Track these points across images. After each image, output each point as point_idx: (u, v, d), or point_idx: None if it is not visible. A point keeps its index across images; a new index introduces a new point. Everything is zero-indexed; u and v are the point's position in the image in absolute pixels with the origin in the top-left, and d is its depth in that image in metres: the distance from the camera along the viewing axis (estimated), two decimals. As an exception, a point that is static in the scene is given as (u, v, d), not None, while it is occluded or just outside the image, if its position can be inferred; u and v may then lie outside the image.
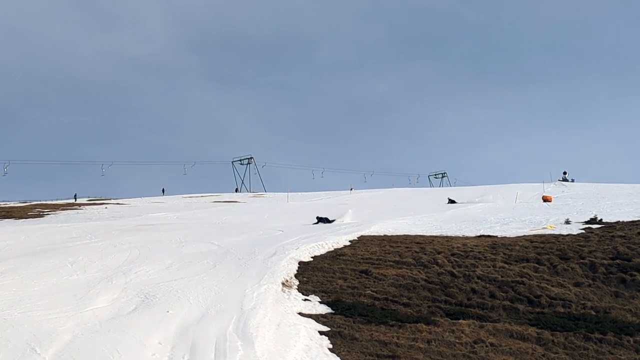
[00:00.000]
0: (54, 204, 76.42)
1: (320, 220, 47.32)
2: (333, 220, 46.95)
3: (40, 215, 59.86)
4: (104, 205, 71.14)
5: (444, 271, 27.47)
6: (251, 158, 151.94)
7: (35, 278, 24.56)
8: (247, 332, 18.95)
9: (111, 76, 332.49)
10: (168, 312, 20.55)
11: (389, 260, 29.28)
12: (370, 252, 31.14)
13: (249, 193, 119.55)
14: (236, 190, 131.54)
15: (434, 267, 28.02)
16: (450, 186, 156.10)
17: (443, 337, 20.62)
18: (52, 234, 39.51)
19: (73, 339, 17.56)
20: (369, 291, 25.08)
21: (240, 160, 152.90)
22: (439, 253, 30.21)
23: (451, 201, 74.96)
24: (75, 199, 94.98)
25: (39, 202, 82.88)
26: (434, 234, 37.30)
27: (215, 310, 21.08)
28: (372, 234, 37.29)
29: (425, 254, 30.19)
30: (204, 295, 22.80)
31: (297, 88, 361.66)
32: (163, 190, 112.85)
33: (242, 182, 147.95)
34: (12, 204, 79.96)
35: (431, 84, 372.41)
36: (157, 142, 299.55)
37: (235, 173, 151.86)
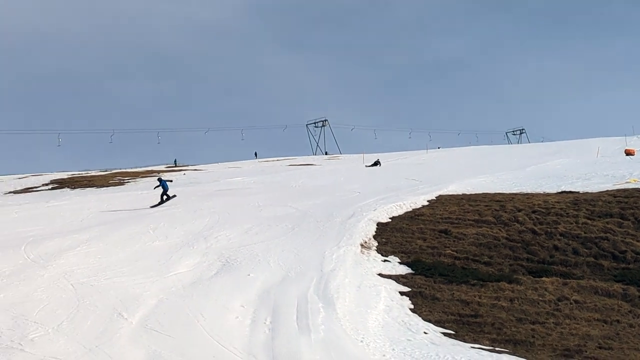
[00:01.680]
0: (134, 172, 77.29)
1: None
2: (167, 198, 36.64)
3: (120, 184, 60.80)
4: (183, 172, 71.84)
5: (525, 229, 27.09)
6: (325, 120, 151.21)
7: (119, 245, 25.02)
8: (328, 294, 19.01)
9: (184, 44, 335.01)
10: (249, 275, 20.74)
11: (468, 219, 29.00)
12: (449, 212, 30.87)
13: (325, 155, 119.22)
14: (326, 153, 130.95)
15: (514, 225, 27.65)
16: (529, 142, 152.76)
17: (526, 295, 20.40)
18: (133, 201, 40.08)
19: (158, 303, 17.88)
20: (449, 251, 24.92)
21: (314, 122, 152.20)
22: (519, 211, 29.76)
23: (375, 163, 68.98)
24: (176, 164, 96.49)
25: (119, 171, 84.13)
26: (514, 192, 36.65)
27: (295, 272, 21.20)
28: (450, 193, 36.87)
29: (505, 212, 29.78)
30: (283, 258, 22.93)
31: (371, 48, 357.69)
32: (255, 154, 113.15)
33: (317, 145, 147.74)
34: (93, 173, 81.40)
35: (507, 39, 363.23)
36: (232, 108, 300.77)
37: (310, 136, 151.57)
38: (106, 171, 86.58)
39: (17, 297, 17.98)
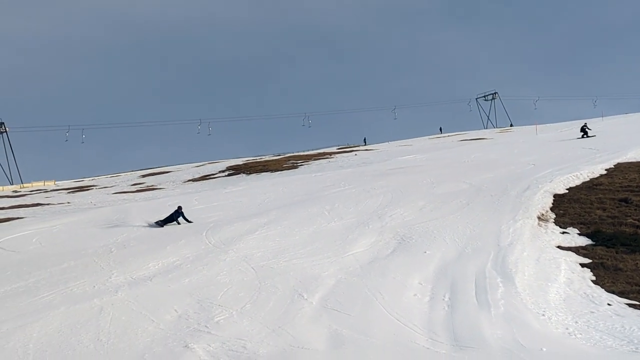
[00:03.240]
0: (306, 155, 78.36)
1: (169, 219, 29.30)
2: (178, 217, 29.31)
3: (294, 167, 61.72)
4: (354, 152, 72.27)
5: None
6: (495, 93, 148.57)
7: (296, 227, 25.60)
8: (506, 269, 18.85)
9: (354, 25, 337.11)
10: (425, 252, 20.83)
11: (650, 187, 27.92)
12: (629, 180, 29.81)
13: (495, 129, 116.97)
14: (511, 125, 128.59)
15: (701, 190, 26.41)
16: None
17: None
18: (307, 184, 40.60)
19: (337, 283, 18.26)
20: (631, 220, 24.08)
21: (484, 96, 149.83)
22: None
23: (584, 132, 59.67)
24: (365, 142, 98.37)
25: (292, 154, 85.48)
26: (699, 156, 35.03)
27: (471, 248, 21.12)
28: (629, 161, 35.57)
29: (690, 177, 28.49)
30: (458, 234, 22.89)
31: (540, 17, 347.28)
32: (440, 129, 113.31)
33: (488, 118, 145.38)
34: (267, 158, 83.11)
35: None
36: (402, 86, 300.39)
37: (480, 110, 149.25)
38: (279, 155, 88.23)
39: (202, 281, 18.82)
